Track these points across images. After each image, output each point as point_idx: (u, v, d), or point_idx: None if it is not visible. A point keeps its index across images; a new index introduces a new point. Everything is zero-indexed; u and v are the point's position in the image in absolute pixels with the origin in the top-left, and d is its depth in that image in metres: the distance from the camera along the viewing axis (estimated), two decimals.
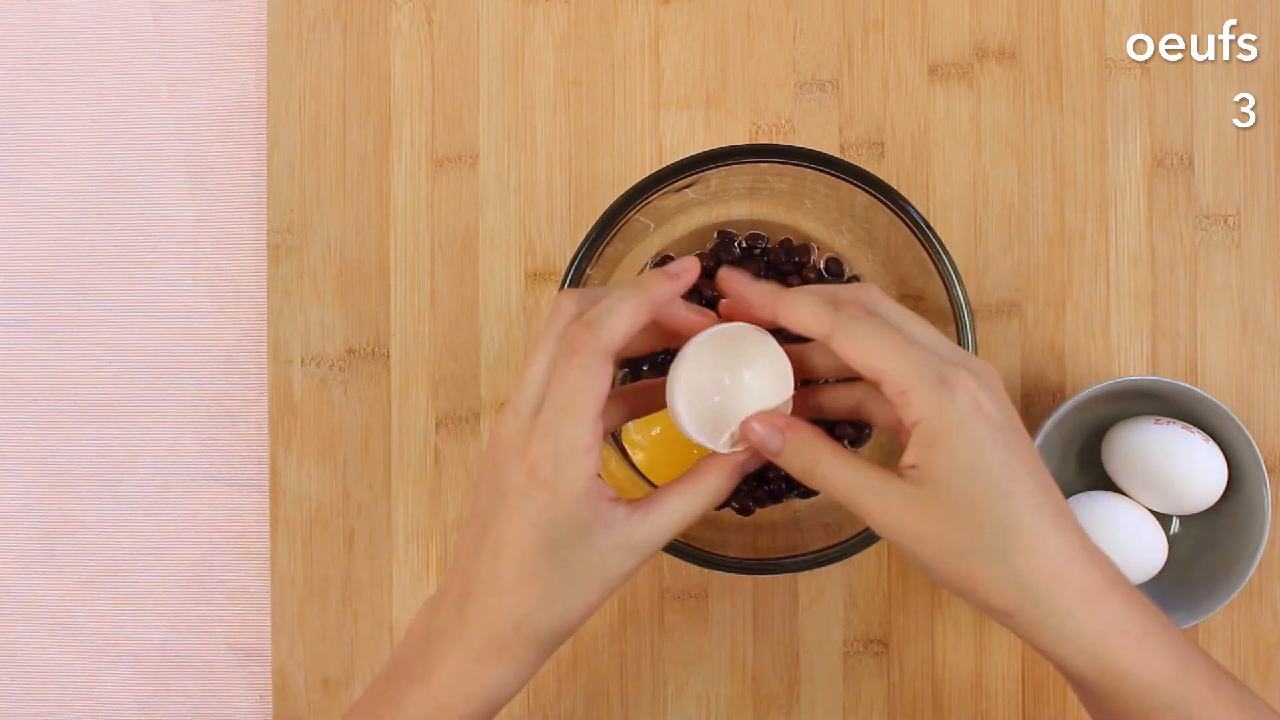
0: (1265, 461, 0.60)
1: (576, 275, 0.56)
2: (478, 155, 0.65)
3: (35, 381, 0.66)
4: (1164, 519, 0.62)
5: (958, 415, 0.42)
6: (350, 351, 0.65)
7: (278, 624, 0.64)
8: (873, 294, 0.47)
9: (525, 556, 0.44)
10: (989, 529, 0.42)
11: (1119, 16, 0.66)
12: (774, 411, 0.47)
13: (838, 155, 0.59)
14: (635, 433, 0.62)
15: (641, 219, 0.58)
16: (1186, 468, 0.60)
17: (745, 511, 0.62)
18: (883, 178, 0.55)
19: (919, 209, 0.56)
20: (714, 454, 0.47)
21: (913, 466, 0.43)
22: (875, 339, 0.44)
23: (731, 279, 0.48)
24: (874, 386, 0.45)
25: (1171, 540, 0.62)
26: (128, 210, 0.66)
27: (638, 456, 0.62)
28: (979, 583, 0.43)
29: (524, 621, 0.44)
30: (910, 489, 0.43)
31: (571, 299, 0.46)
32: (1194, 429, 0.60)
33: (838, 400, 0.51)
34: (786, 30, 0.66)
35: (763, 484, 0.62)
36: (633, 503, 0.45)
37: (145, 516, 0.65)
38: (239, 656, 0.65)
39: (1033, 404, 0.65)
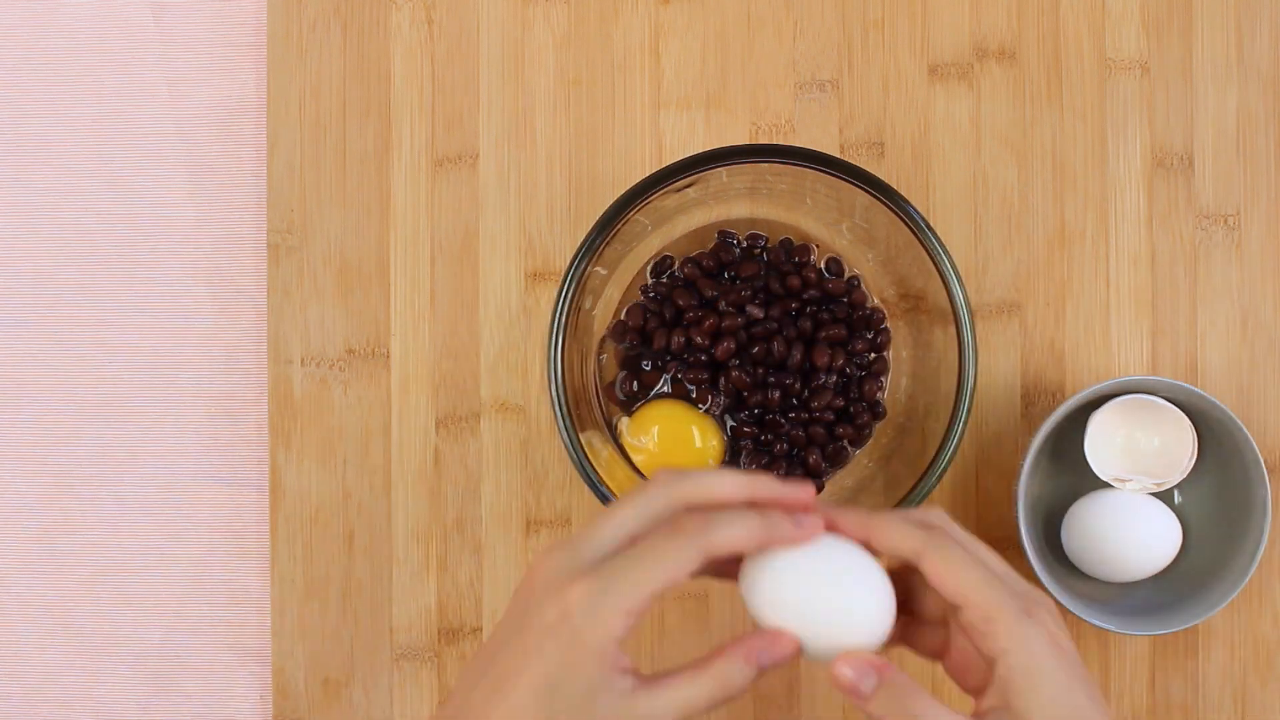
0: (1265, 461, 0.60)
1: (576, 275, 0.56)
2: (478, 155, 0.65)
3: (35, 381, 0.66)
4: (1165, 500, 0.62)
5: (1042, 653, 0.44)
6: (350, 351, 0.65)
7: (278, 624, 0.64)
8: (942, 517, 0.48)
9: (521, 701, 0.42)
10: None
11: (1119, 16, 0.66)
12: (867, 653, 0.45)
13: (838, 155, 0.60)
14: (634, 435, 0.62)
15: (641, 219, 0.58)
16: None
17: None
18: (883, 178, 0.56)
19: (919, 209, 0.56)
20: (736, 641, 0.45)
21: (998, 708, 0.44)
22: (964, 566, 0.45)
23: (827, 512, 0.47)
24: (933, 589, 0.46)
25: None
26: (128, 210, 0.66)
27: (638, 458, 0.62)
28: None
29: None
30: None
31: (677, 480, 0.45)
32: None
33: (926, 638, 0.50)
34: (786, 30, 0.66)
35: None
36: (642, 677, 0.44)
37: (145, 516, 0.65)
38: (239, 656, 0.65)
39: (1033, 404, 0.65)
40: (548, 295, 0.65)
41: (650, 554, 0.43)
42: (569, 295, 0.56)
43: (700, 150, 0.56)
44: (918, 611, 0.49)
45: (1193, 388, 0.60)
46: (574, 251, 0.56)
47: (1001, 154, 0.65)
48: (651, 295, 0.63)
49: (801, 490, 0.46)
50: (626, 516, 0.44)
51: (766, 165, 0.56)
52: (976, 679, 0.46)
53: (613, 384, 0.63)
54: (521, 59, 0.66)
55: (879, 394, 0.63)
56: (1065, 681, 0.44)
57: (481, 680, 0.44)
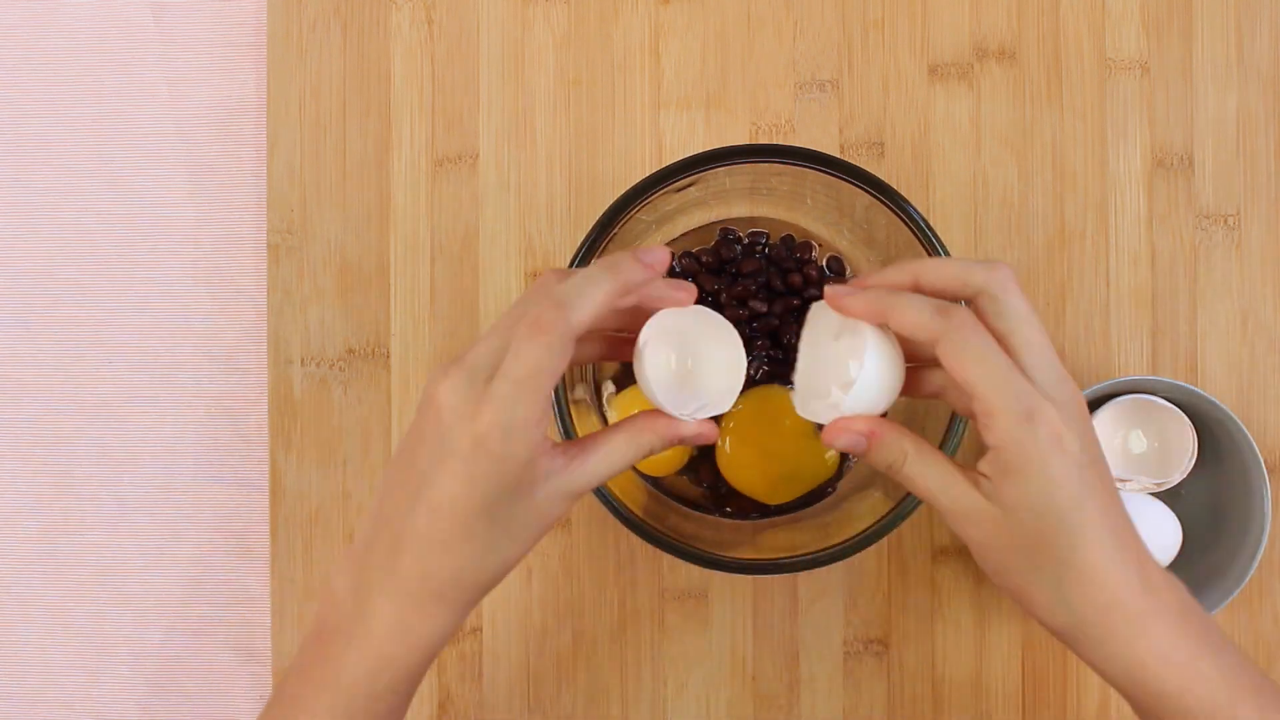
0: (1265, 461, 0.60)
1: None
2: (478, 155, 0.65)
3: (35, 381, 0.66)
4: (1167, 500, 0.62)
5: (1035, 452, 0.44)
6: (350, 351, 0.65)
7: (278, 624, 0.64)
8: (1005, 279, 0.47)
9: (467, 517, 0.45)
10: (1050, 560, 0.45)
11: (1119, 16, 0.66)
12: (864, 415, 0.48)
13: (838, 155, 0.60)
14: (616, 409, 0.62)
15: (641, 219, 0.58)
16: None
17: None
18: (883, 178, 0.56)
19: (919, 209, 0.56)
20: (658, 412, 0.48)
21: (986, 476, 0.46)
22: (975, 359, 0.45)
23: (836, 291, 0.48)
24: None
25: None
26: (128, 210, 0.66)
27: None
28: (1034, 602, 0.46)
29: (461, 575, 0.46)
30: (984, 503, 0.46)
31: (554, 277, 0.47)
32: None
33: (928, 381, 0.51)
34: (786, 30, 0.66)
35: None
36: (567, 449, 0.47)
37: (145, 516, 0.65)
38: (239, 656, 0.65)
39: None
40: None
41: (525, 360, 0.44)
42: None
43: (700, 150, 0.56)
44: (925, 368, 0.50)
45: (1193, 388, 0.60)
46: (574, 251, 0.56)
47: (1001, 154, 0.65)
48: None
49: (655, 253, 0.47)
50: (499, 332, 0.45)
51: (766, 165, 0.56)
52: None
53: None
54: (521, 59, 0.66)
55: None
56: (1056, 476, 0.44)
57: (415, 505, 0.45)
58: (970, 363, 0.45)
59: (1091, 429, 0.46)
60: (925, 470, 0.47)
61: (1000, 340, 0.46)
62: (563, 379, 0.56)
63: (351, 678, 0.46)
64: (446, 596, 0.46)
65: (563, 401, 0.56)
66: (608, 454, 0.47)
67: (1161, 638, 0.45)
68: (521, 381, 0.44)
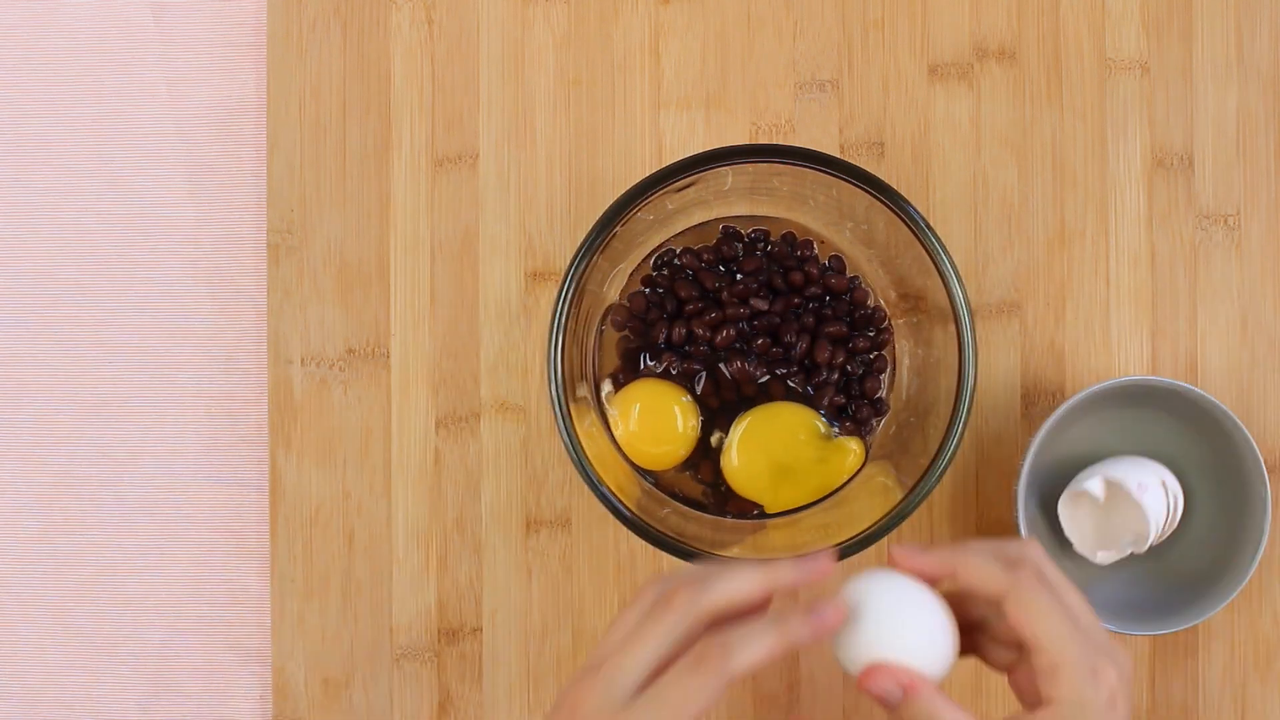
0: (1265, 461, 0.60)
1: (576, 275, 0.56)
2: (478, 155, 0.65)
3: (35, 381, 0.66)
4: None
5: (1094, 709, 0.46)
6: (350, 351, 0.65)
7: (278, 624, 0.64)
8: (1038, 552, 0.49)
9: None
10: None
11: (1119, 16, 0.66)
12: (898, 666, 0.48)
13: (838, 155, 0.60)
14: (617, 410, 0.62)
15: (642, 219, 0.58)
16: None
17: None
18: (883, 178, 0.56)
19: (919, 209, 0.56)
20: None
21: None
22: (1045, 615, 0.47)
23: (907, 552, 0.50)
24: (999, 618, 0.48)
25: (1172, 538, 0.62)
26: (128, 210, 0.66)
27: (618, 431, 0.62)
28: None
29: None
30: None
31: (696, 595, 0.47)
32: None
33: (998, 656, 0.52)
34: (786, 30, 0.66)
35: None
36: None
37: (145, 516, 0.65)
38: (239, 656, 0.65)
39: (1032, 404, 0.65)
40: (548, 295, 0.65)
41: (678, 691, 0.45)
42: (569, 295, 0.56)
43: (700, 150, 0.56)
44: (992, 632, 0.51)
45: (1193, 388, 0.60)
46: (574, 251, 0.56)
47: (1001, 154, 0.65)
48: (653, 288, 0.63)
49: (818, 564, 0.49)
50: (651, 645, 0.46)
51: (767, 165, 0.56)
52: (1033, 700, 0.49)
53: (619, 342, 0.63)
54: (521, 59, 0.66)
55: (879, 392, 0.63)
56: None
57: None
58: (1039, 618, 0.47)
59: (1130, 688, 0.48)
60: None
61: None
62: (567, 378, 0.56)
63: None
64: None
65: (563, 402, 0.56)
66: None
67: None
68: (666, 710, 0.45)
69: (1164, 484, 0.61)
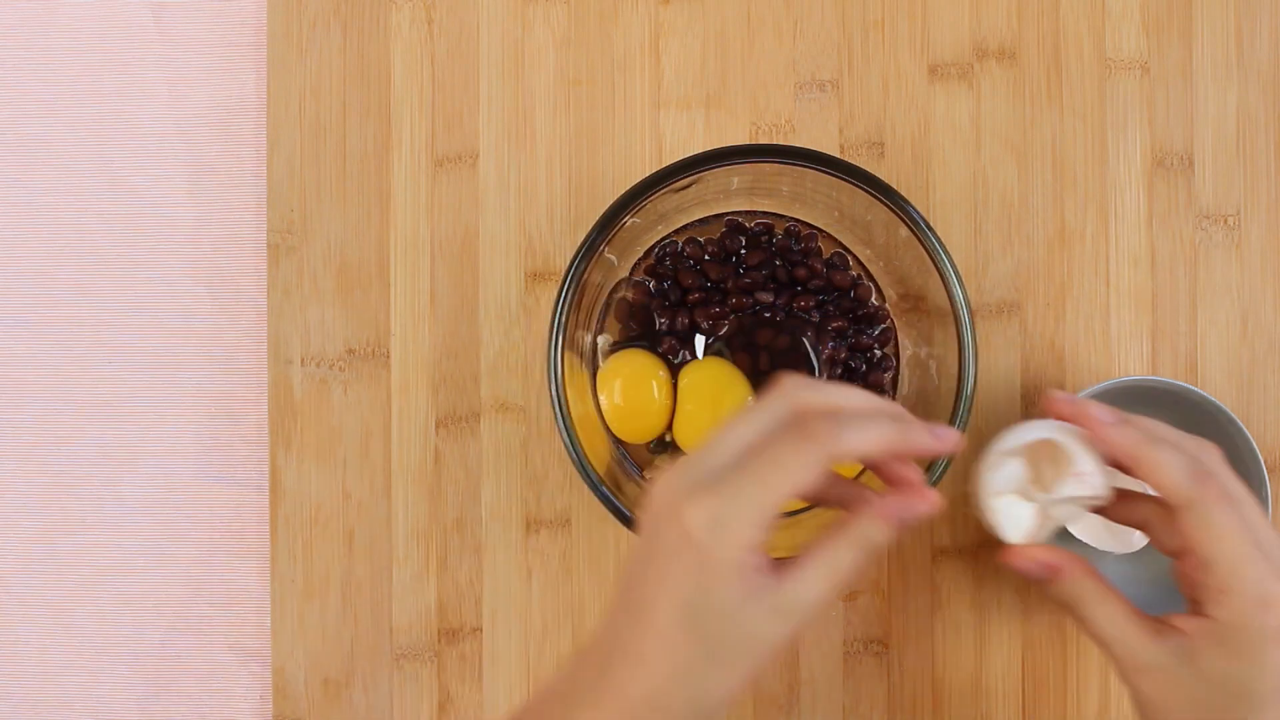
0: (1265, 461, 0.60)
1: (576, 275, 0.56)
2: (478, 155, 0.65)
3: (35, 381, 0.66)
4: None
5: (1260, 638, 0.45)
6: (350, 351, 0.65)
7: (278, 624, 0.64)
8: (1220, 460, 0.48)
9: (664, 626, 0.40)
10: None
11: (1119, 16, 0.66)
12: (1049, 545, 0.48)
13: (838, 155, 0.60)
14: (601, 384, 0.62)
15: (641, 219, 0.58)
16: None
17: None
18: (883, 178, 0.56)
19: (919, 209, 0.56)
20: (867, 502, 0.44)
21: (1186, 634, 0.45)
22: (1222, 535, 0.45)
23: (1089, 414, 0.48)
24: (1169, 516, 0.47)
25: None
26: (128, 210, 0.66)
27: (604, 403, 0.62)
28: None
29: (658, 698, 0.41)
30: (1170, 660, 0.46)
31: (801, 388, 0.43)
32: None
33: (1130, 511, 0.51)
34: (786, 30, 0.66)
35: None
36: (781, 567, 0.42)
37: (145, 516, 0.65)
38: (239, 656, 0.65)
39: (1033, 404, 0.65)
40: (548, 295, 0.65)
41: (772, 461, 0.40)
42: (569, 295, 0.56)
43: (700, 150, 0.56)
44: (1154, 530, 0.49)
45: (1193, 388, 0.60)
46: (574, 251, 0.56)
47: (1001, 154, 0.65)
48: (656, 278, 0.63)
49: (952, 436, 0.45)
50: (745, 428, 0.42)
51: (767, 165, 0.56)
52: (1191, 595, 0.47)
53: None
54: (521, 59, 0.66)
55: (884, 388, 0.63)
56: (1271, 666, 0.44)
57: (622, 613, 0.42)
58: (1218, 538, 0.45)
59: None
60: (1104, 614, 0.47)
61: None
62: (575, 425, 0.55)
63: None
64: None
65: (563, 402, 0.56)
66: (828, 562, 0.42)
67: None
68: (762, 479, 0.40)
69: None
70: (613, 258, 0.60)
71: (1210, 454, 0.48)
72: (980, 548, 0.64)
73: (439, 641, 0.64)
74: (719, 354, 0.62)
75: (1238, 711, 0.45)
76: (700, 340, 0.62)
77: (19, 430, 0.65)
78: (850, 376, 0.62)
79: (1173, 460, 0.46)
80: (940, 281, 0.56)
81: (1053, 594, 0.48)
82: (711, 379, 0.61)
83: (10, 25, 0.66)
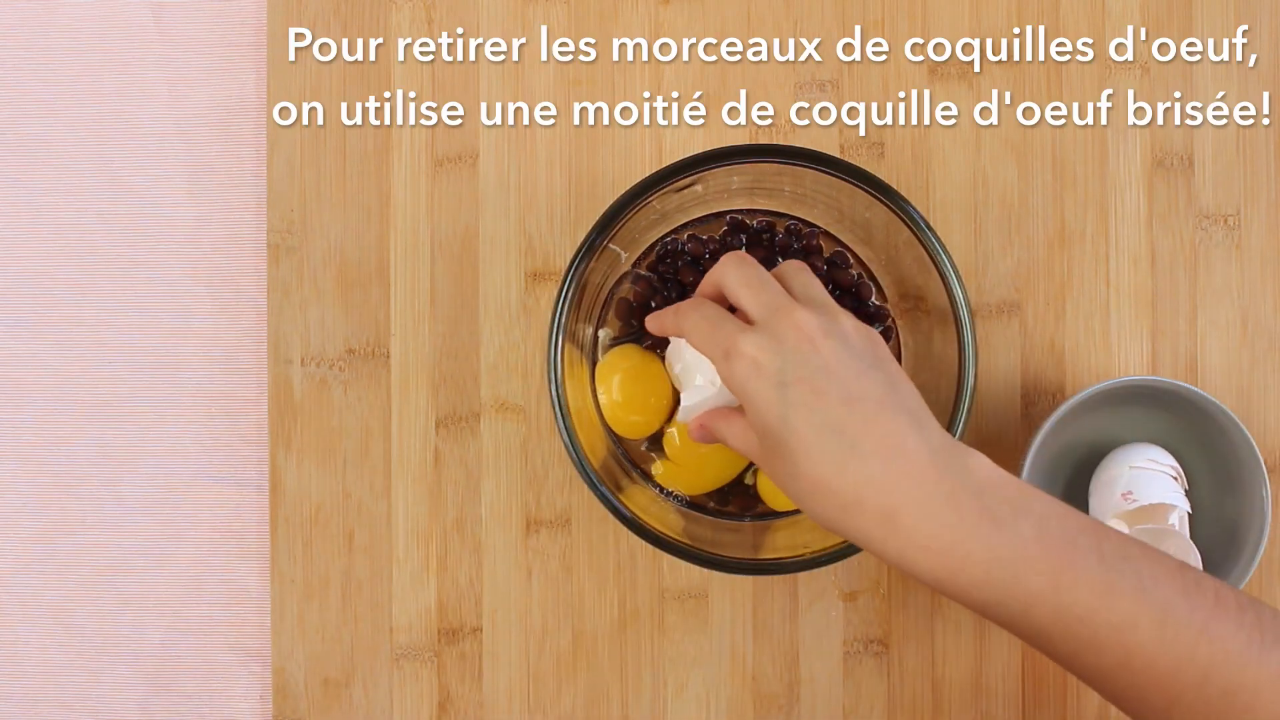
0: (1265, 461, 0.60)
1: (576, 275, 0.56)
2: (478, 155, 0.65)
3: (35, 381, 0.66)
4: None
5: (738, 383, 0.49)
6: (350, 351, 0.65)
7: (278, 624, 0.64)
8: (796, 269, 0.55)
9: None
10: (786, 476, 0.48)
11: (1119, 16, 0.66)
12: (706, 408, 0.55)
13: (838, 155, 0.60)
14: (599, 379, 0.62)
15: (641, 219, 0.58)
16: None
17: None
18: (883, 178, 0.56)
19: (919, 209, 0.56)
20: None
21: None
22: (689, 329, 0.52)
23: (658, 324, 0.57)
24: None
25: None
26: (128, 210, 0.66)
27: (601, 399, 0.61)
28: (806, 510, 0.49)
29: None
30: (751, 436, 0.51)
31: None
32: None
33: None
34: (786, 30, 0.66)
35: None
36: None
37: (145, 516, 0.65)
38: (239, 656, 0.65)
39: (1033, 404, 0.65)
40: (548, 295, 0.65)
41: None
42: (569, 295, 0.56)
43: (700, 150, 0.56)
44: None
45: (1193, 388, 0.60)
46: (574, 251, 0.56)
47: (1001, 154, 0.65)
48: (658, 274, 0.63)
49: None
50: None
51: (767, 165, 0.56)
52: None
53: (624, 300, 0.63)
54: (521, 59, 0.66)
55: None
56: (758, 404, 0.48)
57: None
58: (687, 333, 0.52)
59: (795, 336, 0.48)
60: (730, 431, 0.52)
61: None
62: (575, 426, 0.57)
63: None
64: None
65: (563, 402, 0.56)
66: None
67: (917, 527, 0.45)
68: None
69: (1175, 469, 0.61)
70: (619, 250, 0.60)
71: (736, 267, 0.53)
72: None
73: (439, 641, 0.64)
74: None
75: (781, 453, 0.47)
76: None
77: (19, 430, 0.65)
78: None
79: (660, 317, 0.57)
80: (940, 281, 0.56)
81: (706, 439, 0.54)
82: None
83: (10, 25, 0.66)
